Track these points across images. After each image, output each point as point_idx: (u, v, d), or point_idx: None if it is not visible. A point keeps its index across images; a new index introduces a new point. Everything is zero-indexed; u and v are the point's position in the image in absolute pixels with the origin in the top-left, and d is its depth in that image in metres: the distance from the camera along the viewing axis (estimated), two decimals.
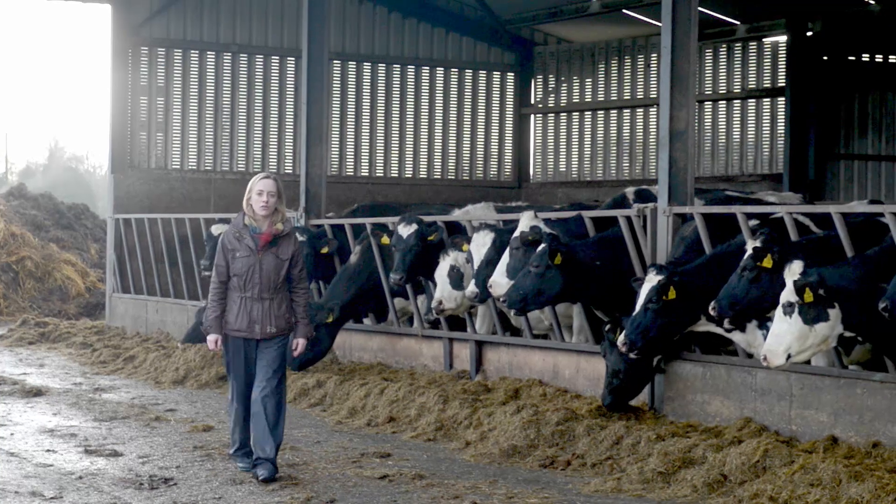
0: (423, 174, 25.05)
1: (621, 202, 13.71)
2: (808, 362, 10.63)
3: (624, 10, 23.02)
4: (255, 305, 9.91)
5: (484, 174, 25.57)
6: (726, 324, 10.76)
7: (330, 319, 14.90)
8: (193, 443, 11.51)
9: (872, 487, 8.44)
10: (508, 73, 25.65)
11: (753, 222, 11.41)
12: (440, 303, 13.60)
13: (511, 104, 25.70)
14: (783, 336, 9.55)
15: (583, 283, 12.16)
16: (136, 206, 22.37)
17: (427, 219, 14.60)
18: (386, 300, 15.56)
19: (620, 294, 11.93)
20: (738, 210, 11.39)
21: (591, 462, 10.36)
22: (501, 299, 12.23)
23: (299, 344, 10.18)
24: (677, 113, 12.38)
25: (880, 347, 10.13)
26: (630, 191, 14.01)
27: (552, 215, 13.56)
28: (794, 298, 9.51)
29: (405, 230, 14.28)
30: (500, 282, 12.50)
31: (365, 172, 24.65)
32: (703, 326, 11.18)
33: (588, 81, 25.10)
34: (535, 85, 25.85)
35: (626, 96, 24.44)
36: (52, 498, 9.26)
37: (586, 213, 13.25)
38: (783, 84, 22.05)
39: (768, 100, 22.48)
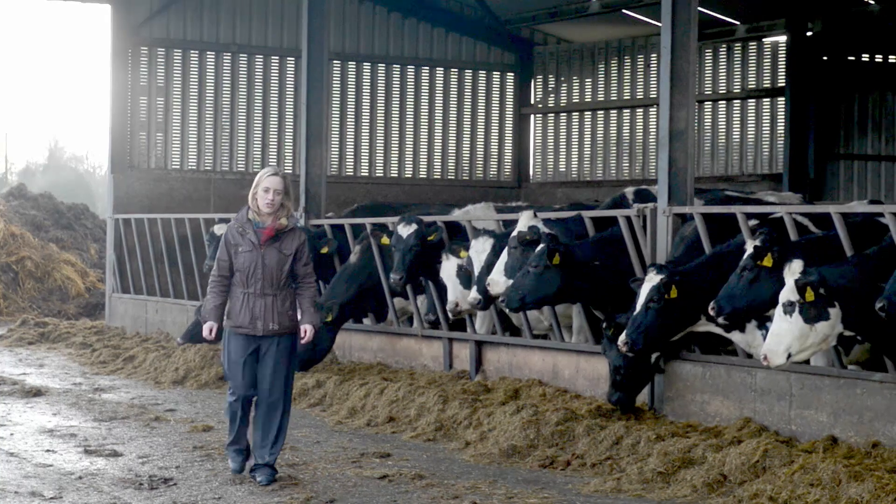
0: (422, 174, 25.05)
1: (620, 202, 13.71)
2: (807, 362, 10.64)
3: (624, 10, 23.03)
4: (257, 301, 9.73)
5: (484, 174, 25.57)
6: (721, 319, 10.72)
7: (329, 318, 14.89)
8: (193, 443, 11.50)
9: (872, 487, 8.44)
10: (508, 73, 25.65)
11: (753, 222, 11.41)
12: (456, 304, 13.50)
13: (511, 104, 25.70)
14: (783, 335, 9.55)
15: (581, 283, 12.16)
16: (135, 206, 22.37)
17: (426, 219, 14.60)
18: (386, 300, 15.56)
19: (620, 294, 11.93)
20: (737, 210, 11.39)
21: (591, 462, 10.36)
22: (500, 299, 12.24)
23: (307, 331, 9.90)
24: (677, 113, 12.38)
25: (879, 347, 10.13)
26: (629, 191, 14.01)
27: (552, 215, 13.56)
28: (794, 297, 9.51)
29: (405, 230, 14.28)
30: (498, 280, 12.51)
31: (365, 172, 24.65)
32: (703, 326, 11.18)
33: (588, 81, 25.10)
34: (535, 85, 25.86)
35: (626, 96, 24.44)
36: (51, 498, 9.26)
37: (586, 213, 13.25)
38: (783, 84, 22.06)
39: (768, 100, 22.48)
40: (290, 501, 9.18)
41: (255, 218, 9.78)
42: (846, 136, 21.97)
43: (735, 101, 22.91)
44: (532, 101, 25.83)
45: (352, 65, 24.44)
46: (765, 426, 10.84)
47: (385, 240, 14.81)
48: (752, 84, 22.65)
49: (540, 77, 25.77)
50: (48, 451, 11.14)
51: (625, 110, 24.54)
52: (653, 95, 23.51)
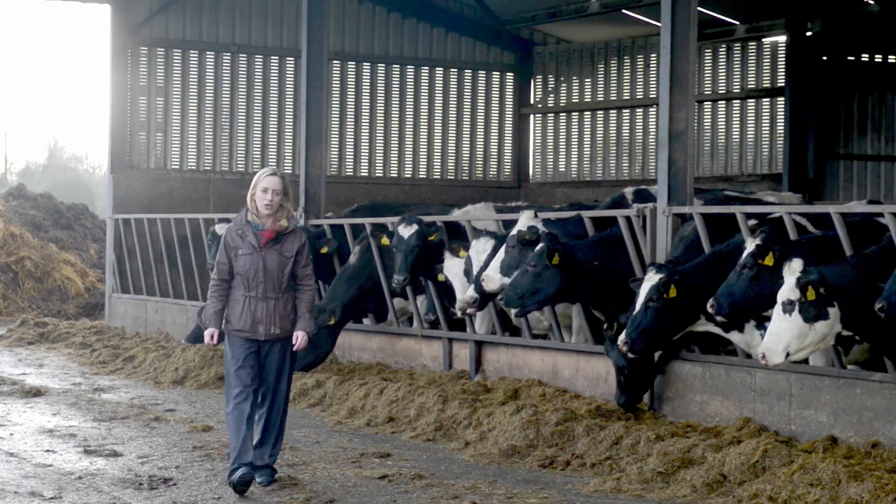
0: (422, 174, 25.06)
1: (620, 202, 13.71)
2: (806, 362, 10.64)
3: (623, 11, 23.02)
4: (259, 305, 9.49)
5: (483, 174, 25.57)
6: (720, 318, 10.72)
7: (332, 322, 14.89)
8: (193, 443, 11.50)
9: (872, 487, 8.44)
10: (508, 73, 25.65)
11: (752, 222, 11.41)
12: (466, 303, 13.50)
13: (510, 104, 25.70)
14: (782, 334, 9.55)
15: (581, 283, 12.17)
16: (135, 206, 22.37)
17: (426, 219, 14.60)
18: (385, 300, 15.56)
19: (620, 294, 11.93)
20: (737, 210, 11.39)
21: (591, 462, 10.36)
22: (500, 298, 12.23)
23: (300, 338, 9.61)
24: (677, 113, 12.39)
25: (878, 347, 10.13)
26: (629, 191, 14.01)
27: (551, 215, 13.57)
28: (793, 297, 9.51)
29: (406, 231, 14.27)
30: (492, 276, 12.53)
31: (364, 172, 24.65)
32: (702, 326, 11.19)
33: (587, 81, 25.10)
34: (535, 85, 25.86)
35: (626, 96, 24.44)
36: (51, 498, 9.26)
37: (586, 213, 13.25)
38: (782, 84, 22.06)
39: (768, 100, 22.48)
40: (290, 501, 9.18)
41: (254, 220, 9.53)
42: (846, 136, 21.98)
43: (735, 101, 22.91)
44: (532, 101, 25.84)
45: (351, 65, 24.44)
46: (764, 426, 10.84)
47: (385, 240, 14.81)
48: (751, 84, 22.65)
49: (539, 77, 25.77)
50: (48, 451, 11.14)
51: (624, 110, 24.55)
52: (652, 95, 23.51)
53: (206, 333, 9.63)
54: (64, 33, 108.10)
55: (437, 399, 12.43)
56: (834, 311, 9.54)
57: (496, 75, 25.56)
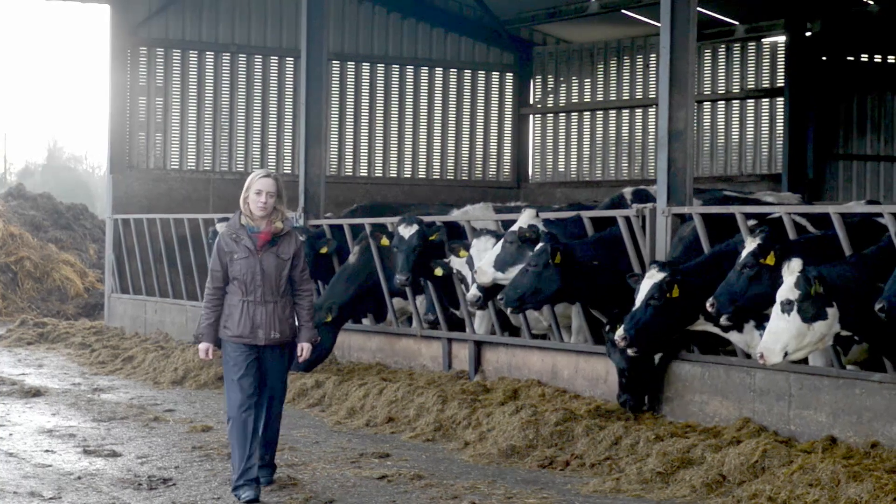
0: (421, 174, 25.06)
1: (619, 202, 13.71)
2: (805, 362, 10.65)
3: (623, 11, 23.03)
4: (258, 309, 9.25)
5: (483, 174, 25.57)
6: (723, 320, 10.73)
7: (329, 319, 14.89)
8: (192, 443, 11.50)
9: (871, 488, 8.44)
10: (507, 74, 25.65)
11: (751, 222, 11.41)
12: (470, 303, 13.51)
13: (510, 104, 25.70)
14: (780, 334, 9.55)
15: (580, 283, 12.17)
16: (134, 206, 22.37)
17: (426, 219, 14.60)
18: (384, 300, 15.56)
19: (618, 294, 11.93)
20: (736, 210, 11.39)
21: (590, 462, 10.35)
22: (499, 297, 12.21)
23: (304, 349, 9.50)
24: (676, 113, 12.39)
25: (878, 347, 10.13)
26: (628, 191, 14.01)
27: (551, 215, 13.57)
28: (792, 296, 9.51)
29: (406, 231, 14.25)
30: (486, 270, 12.53)
31: (364, 173, 24.65)
32: (701, 326, 11.18)
33: (587, 82, 25.10)
34: (534, 85, 25.86)
35: (625, 96, 24.44)
36: (50, 498, 9.26)
37: (585, 214, 13.25)
38: (782, 84, 22.06)
39: (767, 100, 22.48)
40: (289, 501, 9.17)
41: (248, 223, 9.31)
42: (845, 136, 21.98)
43: (734, 101, 22.91)
44: (531, 102, 25.84)
45: (351, 65, 24.44)
46: (764, 426, 10.84)
47: (385, 241, 14.80)
48: (751, 84, 22.65)
49: (539, 77, 25.77)
50: (47, 451, 11.14)
51: (624, 110, 24.55)
52: (652, 96, 23.51)
53: (201, 349, 9.41)
54: (63, 33, 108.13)
55: (437, 399, 12.43)
56: (832, 312, 9.54)
57: (496, 75, 25.56)
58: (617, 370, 11.76)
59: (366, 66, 24.55)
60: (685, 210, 12.19)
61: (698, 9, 12.70)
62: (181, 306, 19.82)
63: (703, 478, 9.37)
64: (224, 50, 23.46)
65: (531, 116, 25.89)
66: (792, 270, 9.57)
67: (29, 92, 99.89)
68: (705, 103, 23.11)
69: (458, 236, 14.38)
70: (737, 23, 22.70)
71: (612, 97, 24.65)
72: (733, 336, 11.18)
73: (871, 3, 21.30)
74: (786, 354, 9.58)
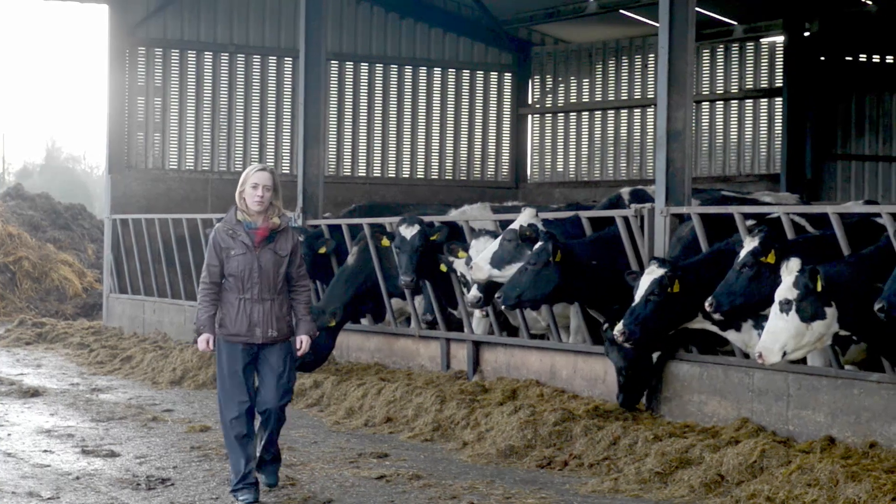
0: (420, 174, 25.06)
1: (616, 202, 13.72)
2: (804, 362, 10.65)
3: (621, 11, 23.03)
4: (255, 307, 9.05)
5: (481, 174, 25.57)
6: (717, 317, 10.72)
7: (333, 324, 14.87)
8: (190, 443, 11.50)
9: (869, 488, 8.44)
10: (506, 74, 25.65)
11: (750, 222, 11.41)
12: (470, 304, 13.51)
13: (508, 104, 25.70)
14: (779, 333, 9.55)
15: (579, 283, 12.17)
16: (133, 206, 22.36)
17: (424, 219, 14.58)
18: (383, 300, 15.55)
19: (617, 294, 11.93)
20: (735, 210, 11.39)
21: (589, 462, 10.36)
22: (497, 295, 12.18)
23: (303, 342, 9.27)
24: (675, 113, 12.39)
25: (876, 347, 10.14)
26: (626, 191, 14.01)
27: (549, 215, 13.57)
28: (791, 296, 9.52)
29: (408, 231, 14.22)
30: (482, 267, 12.53)
31: (362, 173, 24.65)
32: (699, 324, 11.18)
33: (585, 82, 25.10)
34: (533, 85, 25.85)
35: (624, 97, 24.44)
36: (49, 498, 9.25)
37: (583, 214, 13.25)
38: (780, 84, 22.07)
39: (765, 100, 22.49)
40: (288, 501, 9.17)
41: (244, 218, 9.12)
42: (843, 136, 21.99)
43: (732, 101, 22.91)
44: (529, 102, 25.84)
45: (349, 65, 24.44)
46: (762, 426, 10.84)
47: (385, 241, 14.77)
48: (749, 84, 22.66)
49: (537, 77, 25.77)
50: (46, 451, 11.14)
51: (622, 111, 24.55)
52: (650, 96, 23.51)
53: (201, 339, 9.16)
54: (62, 33, 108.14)
55: (435, 399, 12.43)
56: (831, 311, 9.55)
57: (494, 75, 25.56)
58: (615, 369, 11.77)
59: (364, 66, 24.54)
60: (683, 210, 12.19)
61: (697, 9, 12.69)
62: (179, 306, 19.82)
63: (701, 478, 9.37)
64: (222, 50, 23.46)
65: (529, 116, 25.89)
66: (791, 270, 9.58)
67: (27, 92, 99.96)
68: (704, 103, 23.12)
69: (457, 236, 14.37)
70: (735, 23, 22.71)
71: (611, 97, 24.65)
72: (731, 335, 11.19)
73: (870, 3, 21.31)
74: (784, 354, 9.58)
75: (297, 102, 18.99)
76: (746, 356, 11.22)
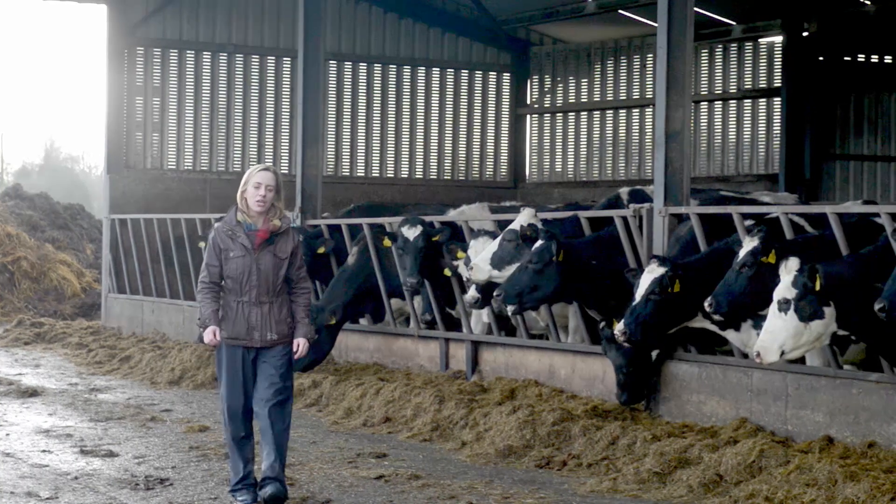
0: (418, 174, 25.05)
1: (615, 203, 13.71)
2: (803, 361, 10.65)
3: (620, 11, 23.02)
4: (253, 310, 8.89)
5: (480, 174, 25.57)
6: (717, 317, 10.73)
7: (333, 322, 14.86)
8: (189, 443, 11.50)
9: (868, 488, 8.44)
10: (504, 74, 25.64)
11: (748, 222, 11.41)
12: (468, 303, 13.50)
13: (507, 104, 25.70)
14: (777, 332, 9.55)
15: (579, 282, 12.16)
16: (131, 206, 22.35)
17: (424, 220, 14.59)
18: (382, 300, 15.54)
19: (616, 294, 11.94)
20: (734, 210, 11.39)
21: (588, 462, 10.36)
22: (497, 294, 12.16)
23: (301, 345, 9.04)
24: (673, 113, 12.38)
25: (874, 347, 10.14)
26: (624, 191, 14.01)
27: (548, 215, 13.56)
28: (790, 295, 9.52)
29: (410, 232, 14.19)
30: (482, 267, 12.53)
31: (361, 173, 24.64)
32: (698, 323, 11.18)
33: (584, 82, 25.11)
34: (531, 85, 25.85)
35: (622, 97, 24.45)
36: (47, 498, 9.25)
37: (582, 214, 13.25)
38: (779, 84, 22.07)
39: (764, 100, 22.49)
40: (287, 501, 9.16)
41: (245, 219, 8.95)
42: (842, 136, 22.00)
43: (731, 101, 22.91)
44: (528, 102, 25.84)
45: (348, 65, 24.43)
46: (761, 426, 10.84)
47: (387, 241, 14.75)
48: (748, 84, 22.67)
49: (536, 77, 25.77)
50: (44, 451, 11.13)
51: (621, 110, 24.55)
52: (649, 96, 23.50)
53: (207, 332, 8.95)
54: (60, 33, 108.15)
55: (434, 399, 12.42)
56: (830, 311, 9.55)
57: (493, 75, 25.56)
58: (614, 367, 11.75)
59: (363, 66, 24.54)
60: (682, 210, 12.19)
61: (695, 9, 12.69)
62: (178, 306, 19.81)
63: (700, 478, 9.37)
64: (221, 50, 23.45)
65: (528, 116, 25.89)
66: (789, 269, 9.58)
67: (26, 92, 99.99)
68: (702, 103, 23.12)
69: (455, 236, 14.37)
70: (734, 23, 22.71)
71: (609, 97, 24.65)
72: (730, 334, 11.19)
73: (868, 3, 21.32)
74: (783, 353, 9.58)
75: (296, 102, 18.97)
76: (745, 356, 11.22)
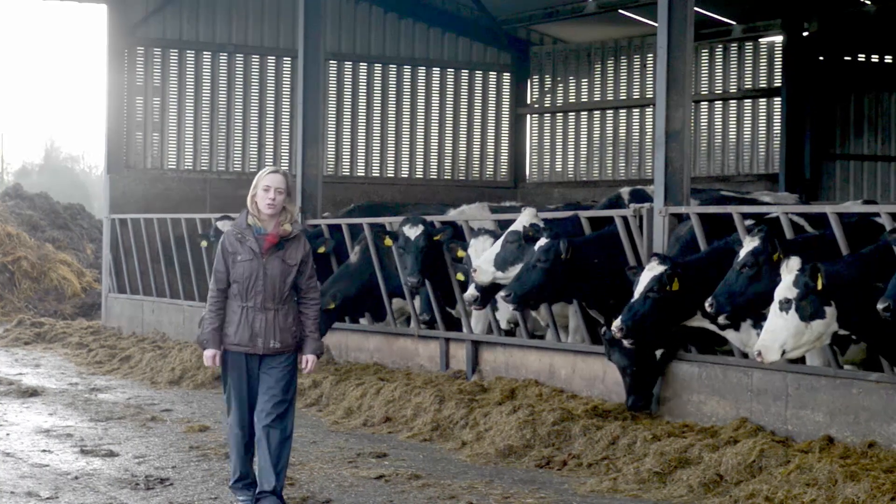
0: (419, 174, 25.05)
1: (616, 202, 13.72)
2: (803, 361, 10.65)
3: (620, 11, 23.02)
4: (257, 316, 8.67)
5: (480, 174, 25.56)
6: (721, 319, 10.74)
7: (332, 306, 14.83)
8: (189, 443, 11.50)
9: (868, 487, 8.45)
10: (504, 74, 25.65)
11: (748, 222, 11.41)
12: (468, 302, 13.49)
13: (507, 104, 25.70)
14: (778, 332, 9.55)
15: (582, 281, 12.16)
16: (132, 206, 22.35)
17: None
18: (382, 300, 15.55)
19: (616, 293, 11.93)
20: (734, 210, 11.39)
21: (588, 462, 10.36)
22: (504, 293, 12.14)
23: (308, 361, 8.83)
24: (673, 113, 12.39)
25: (875, 346, 10.14)
26: (625, 191, 14.01)
27: (548, 215, 13.57)
28: (791, 295, 9.52)
29: (412, 231, 14.18)
30: (486, 269, 12.52)
31: (361, 173, 24.64)
32: (698, 322, 11.18)
33: (584, 81, 25.11)
34: (532, 85, 25.86)
35: (623, 96, 24.45)
36: (47, 498, 9.25)
37: (582, 213, 13.25)
38: (779, 84, 22.07)
39: (764, 100, 22.49)
40: (287, 501, 9.16)
41: (255, 223, 8.70)
42: (842, 136, 22.00)
43: (731, 101, 22.92)
44: (528, 102, 25.84)
45: (348, 65, 24.44)
46: (761, 426, 10.83)
47: (388, 241, 14.74)
48: (748, 84, 22.67)
49: (536, 77, 25.77)
50: (44, 451, 11.13)
51: (621, 110, 24.56)
52: (649, 95, 23.50)
53: (206, 355, 8.78)
54: (61, 33, 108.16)
55: (434, 399, 12.43)
56: (830, 311, 9.55)
57: (493, 75, 25.56)
58: (619, 369, 11.71)
59: (363, 66, 24.54)
60: (682, 210, 12.19)
61: (695, 8, 12.69)
62: (178, 306, 19.81)
63: (700, 477, 9.37)
64: (221, 50, 23.45)
65: (528, 116, 25.89)
66: (791, 269, 9.58)
67: (26, 92, 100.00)
68: (702, 103, 23.12)
69: (457, 236, 14.37)
70: (734, 22, 22.71)
71: (610, 97, 24.65)
72: (730, 335, 11.19)
73: (868, 2, 21.32)
74: (783, 353, 9.58)
75: (296, 102, 18.97)
76: (745, 356, 11.22)
